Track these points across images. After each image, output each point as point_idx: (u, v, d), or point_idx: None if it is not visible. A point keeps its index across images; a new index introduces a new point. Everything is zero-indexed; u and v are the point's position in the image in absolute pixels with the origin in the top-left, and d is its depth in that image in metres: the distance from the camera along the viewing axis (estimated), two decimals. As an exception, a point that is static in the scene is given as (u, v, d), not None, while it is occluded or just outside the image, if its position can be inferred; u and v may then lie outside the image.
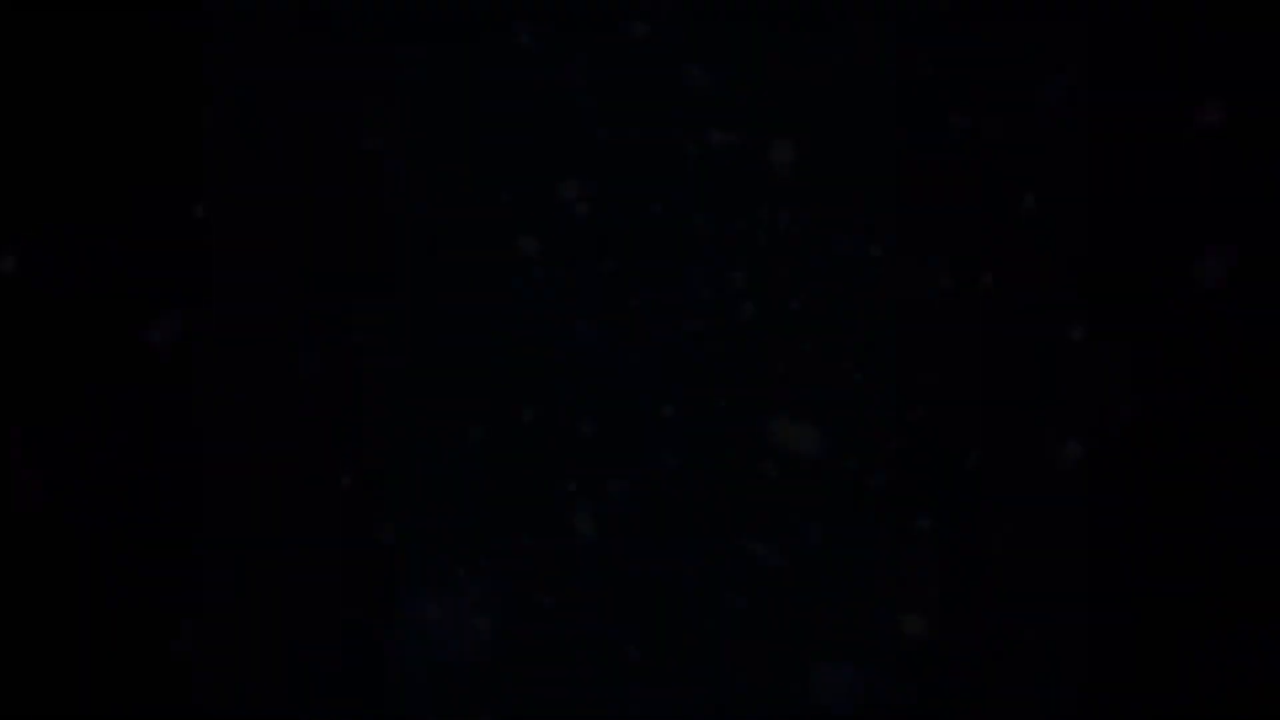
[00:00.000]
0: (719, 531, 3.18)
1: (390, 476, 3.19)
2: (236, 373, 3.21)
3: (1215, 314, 3.20)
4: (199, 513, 3.19)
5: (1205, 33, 3.22)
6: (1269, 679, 3.13)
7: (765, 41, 3.23)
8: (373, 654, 3.17)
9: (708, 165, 3.22)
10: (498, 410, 3.20)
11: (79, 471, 3.20)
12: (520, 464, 3.19)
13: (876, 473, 3.19)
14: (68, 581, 3.18)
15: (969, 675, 3.15)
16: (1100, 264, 3.21)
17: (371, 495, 3.18)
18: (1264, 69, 3.21)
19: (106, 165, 3.24)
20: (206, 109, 3.23)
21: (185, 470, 3.19)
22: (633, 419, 3.20)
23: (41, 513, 3.17)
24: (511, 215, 3.22)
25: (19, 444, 3.16)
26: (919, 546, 3.17)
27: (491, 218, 3.22)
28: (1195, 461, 3.18)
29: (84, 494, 3.19)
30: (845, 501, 3.19)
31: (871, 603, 3.16)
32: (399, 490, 3.19)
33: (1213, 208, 3.21)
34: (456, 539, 3.18)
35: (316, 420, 3.20)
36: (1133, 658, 3.16)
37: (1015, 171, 3.21)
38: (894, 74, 3.22)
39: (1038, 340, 3.19)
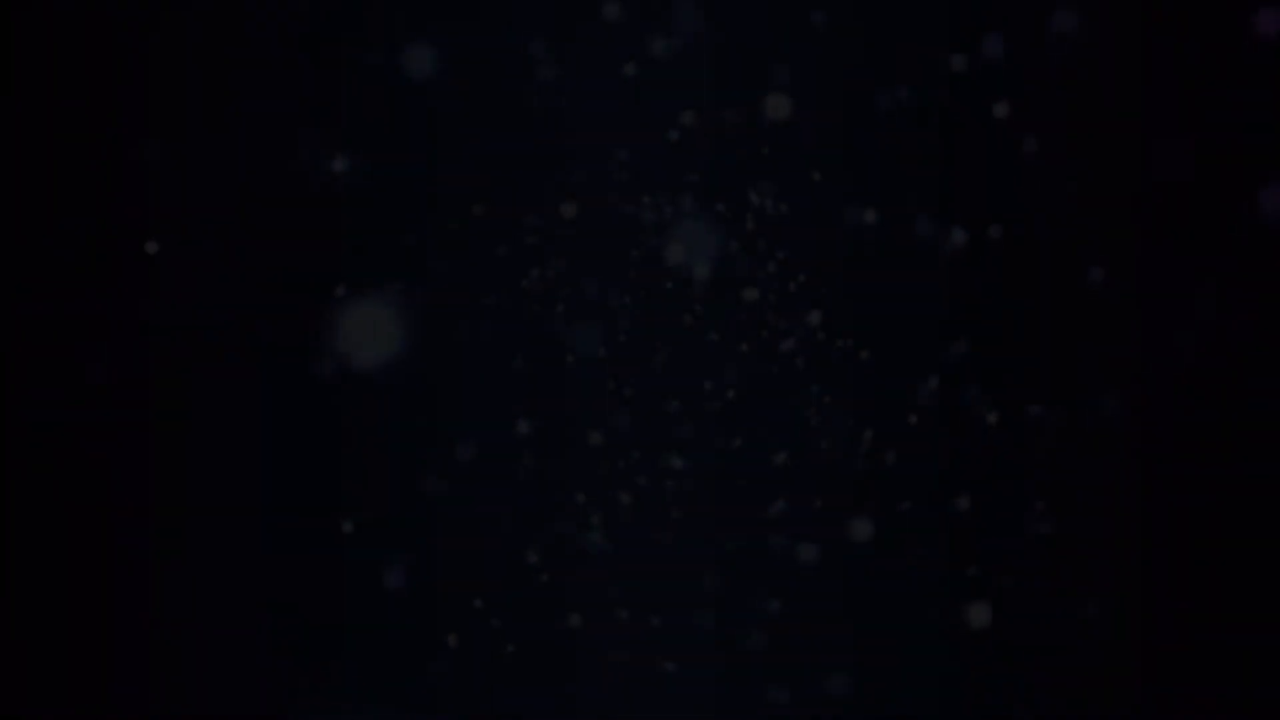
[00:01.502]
0: (737, 532, 3.15)
1: (395, 507, 3.17)
2: (229, 412, 3.19)
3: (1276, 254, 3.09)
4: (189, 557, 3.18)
5: None
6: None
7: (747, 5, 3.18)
8: (383, 684, 3.16)
9: (692, 149, 3.17)
10: (498, 426, 3.17)
11: (51, 511, 3.17)
12: (526, 480, 3.17)
13: (903, 454, 3.13)
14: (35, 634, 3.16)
15: (1022, 659, 3.11)
16: (1133, 199, 3.10)
17: (378, 531, 3.16)
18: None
19: (58, 197, 3.20)
20: (169, 130, 3.20)
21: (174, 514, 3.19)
22: (638, 421, 3.16)
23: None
24: (495, 223, 3.18)
25: None
26: (962, 528, 3.11)
27: (477, 225, 3.18)
28: (1257, 412, 3.09)
29: (63, 535, 3.17)
30: (873, 491, 3.14)
31: (915, 595, 3.13)
32: (405, 521, 3.17)
33: (1273, 130, 3.08)
34: (471, 565, 3.16)
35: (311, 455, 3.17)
36: (1189, 625, 3.09)
37: (1016, 115, 3.12)
38: (876, 32, 3.15)
39: (1057, 288, 3.12)
